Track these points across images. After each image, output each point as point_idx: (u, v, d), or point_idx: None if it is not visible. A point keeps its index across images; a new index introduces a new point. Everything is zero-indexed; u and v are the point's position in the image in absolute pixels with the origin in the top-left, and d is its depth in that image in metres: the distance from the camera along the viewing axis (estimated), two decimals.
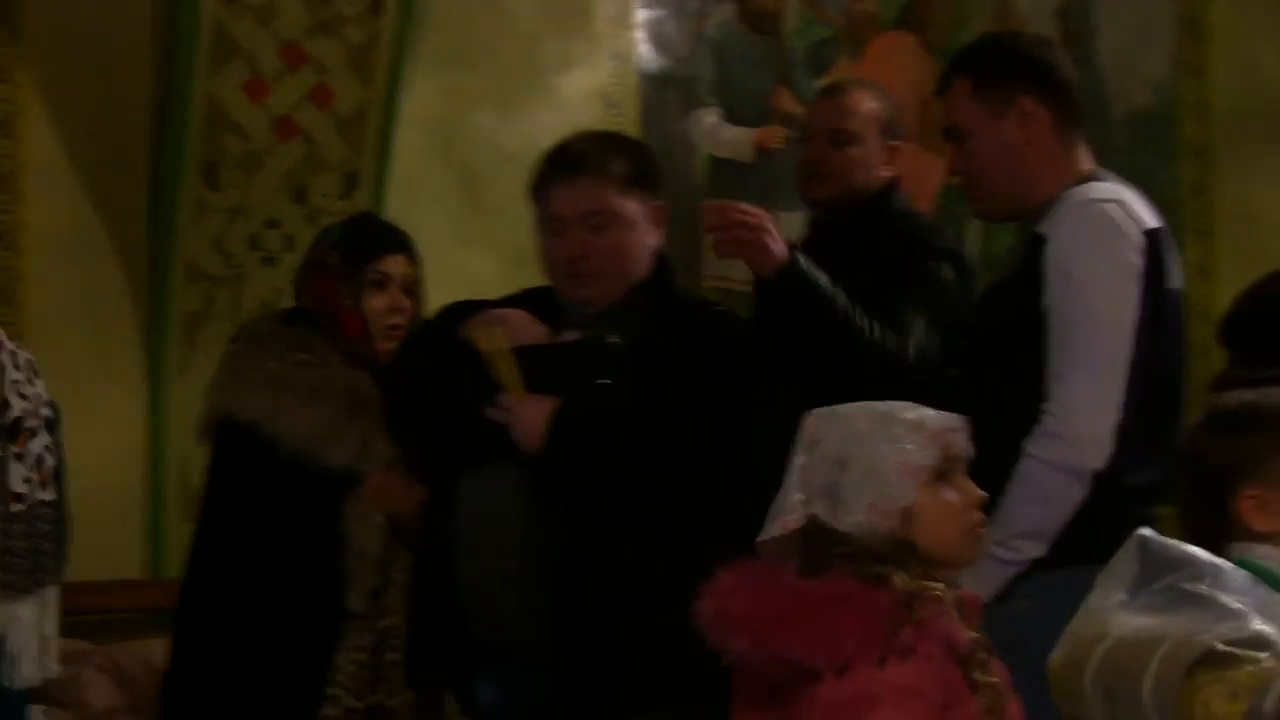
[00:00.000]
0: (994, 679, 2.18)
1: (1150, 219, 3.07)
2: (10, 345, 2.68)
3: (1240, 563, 2.08)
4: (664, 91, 5.02)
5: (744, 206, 3.17)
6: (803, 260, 3.18)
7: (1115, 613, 1.86)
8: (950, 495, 2.21)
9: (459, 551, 2.82)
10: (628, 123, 4.96)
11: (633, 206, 2.93)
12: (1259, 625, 1.74)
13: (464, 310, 2.95)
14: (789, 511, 2.27)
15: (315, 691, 3.11)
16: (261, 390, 3.25)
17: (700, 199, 5.06)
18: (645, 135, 4.96)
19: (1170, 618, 1.79)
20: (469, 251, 4.59)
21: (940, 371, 3.35)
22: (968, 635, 2.18)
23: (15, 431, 2.55)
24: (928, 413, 2.25)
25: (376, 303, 3.27)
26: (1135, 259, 2.97)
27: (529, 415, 2.78)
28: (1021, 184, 3.09)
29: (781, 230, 3.47)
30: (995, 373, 3.05)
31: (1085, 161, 3.14)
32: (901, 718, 2.08)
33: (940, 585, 2.20)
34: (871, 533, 2.18)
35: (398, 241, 3.46)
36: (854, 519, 2.19)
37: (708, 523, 2.75)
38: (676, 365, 2.84)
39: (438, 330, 2.97)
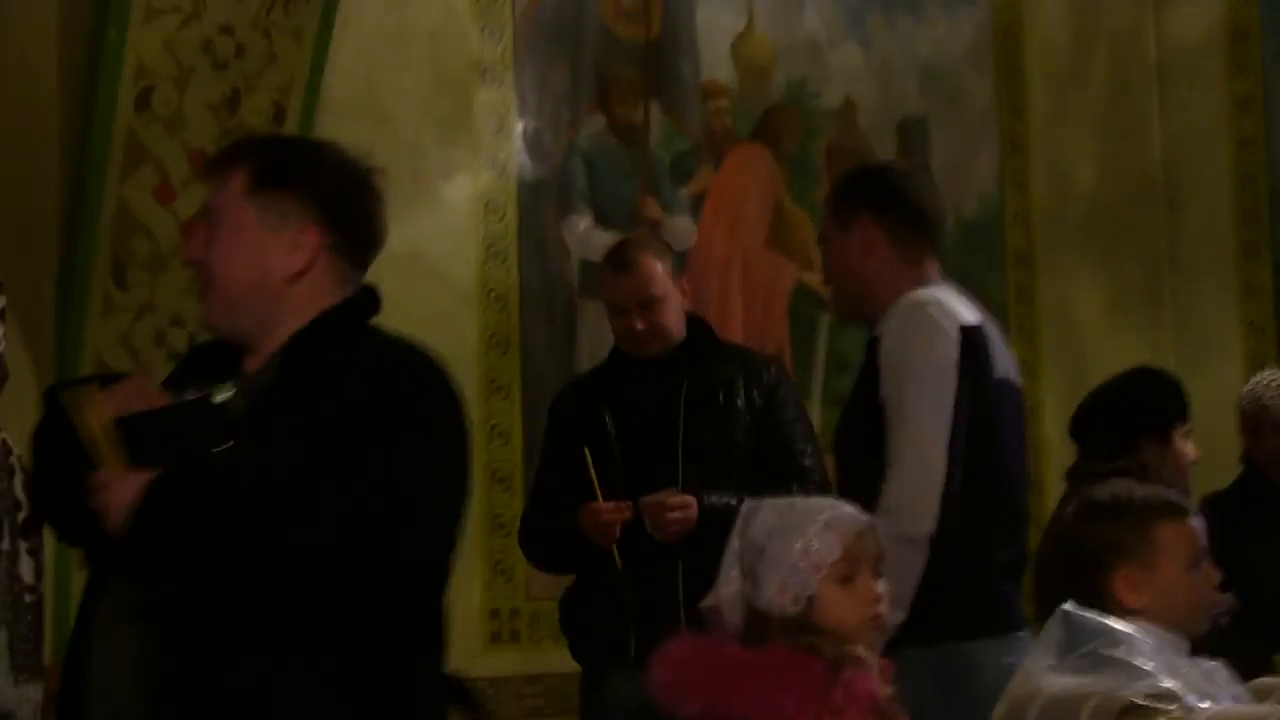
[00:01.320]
0: None
1: (969, 316, 3.47)
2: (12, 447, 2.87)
3: None
4: (540, 197, 5.33)
5: (671, 503, 3.78)
6: (708, 504, 3.79)
7: (1046, 674, 2.22)
8: (851, 589, 2.57)
9: (88, 685, 2.26)
10: (507, 226, 5.27)
11: (250, 211, 2.38)
12: (1168, 683, 2.11)
13: (70, 387, 2.44)
14: (726, 585, 2.63)
15: None
16: None
17: (574, 298, 5.40)
18: (523, 239, 5.29)
19: (1094, 677, 2.15)
20: None
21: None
22: (885, 691, 2.53)
23: (28, 529, 2.76)
24: (843, 513, 2.62)
25: None
26: (951, 352, 3.38)
27: (118, 495, 2.22)
28: (860, 289, 3.52)
29: None
30: (856, 460, 3.46)
31: (931, 276, 3.56)
32: None
33: (862, 648, 2.55)
34: (782, 613, 2.54)
35: None
36: (765, 599, 2.55)
37: (343, 628, 2.22)
38: (302, 426, 2.26)
39: (46, 413, 2.44)
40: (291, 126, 4.72)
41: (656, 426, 3.97)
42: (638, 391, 3.97)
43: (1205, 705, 2.03)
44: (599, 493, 3.85)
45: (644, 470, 3.93)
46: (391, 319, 5.18)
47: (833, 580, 2.51)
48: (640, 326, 3.99)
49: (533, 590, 5.15)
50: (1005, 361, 3.47)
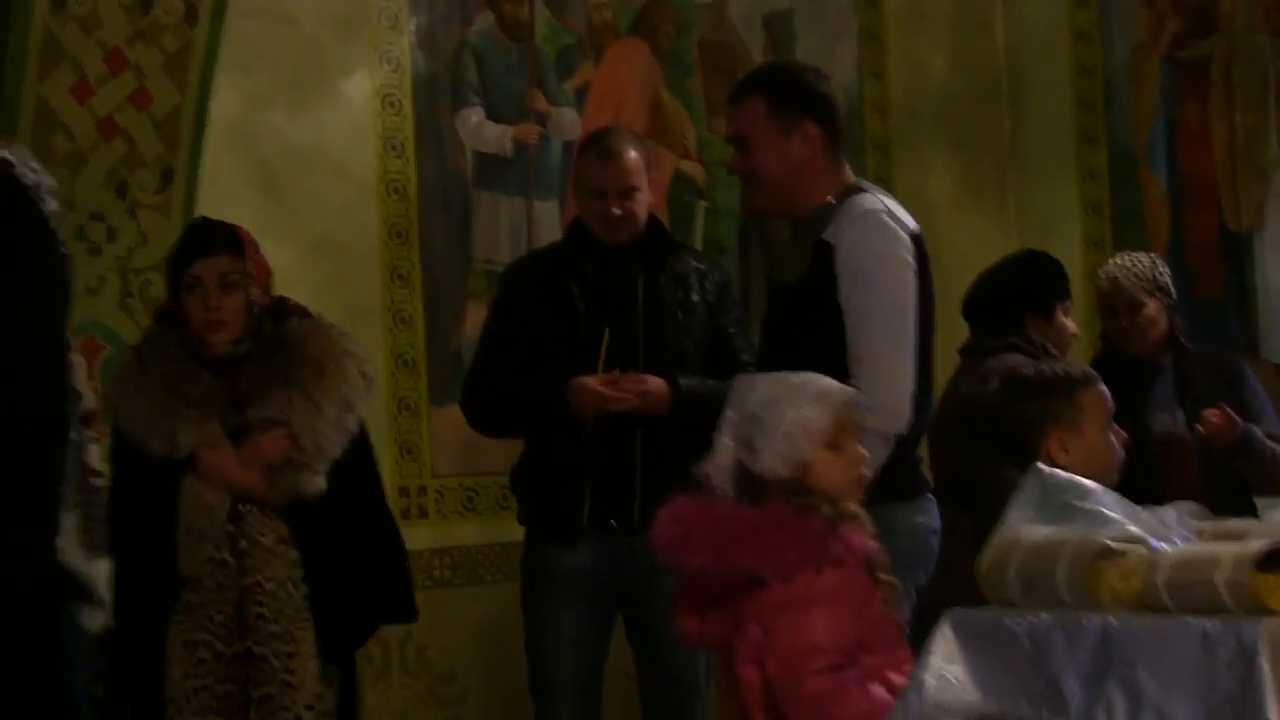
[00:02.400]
0: (891, 579, 2.88)
1: (912, 223, 3.81)
2: None
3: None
4: (435, 92, 5.52)
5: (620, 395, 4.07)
6: (683, 387, 4.08)
7: (1026, 525, 2.57)
8: (839, 454, 2.90)
9: None
10: (404, 121, 5.46)
11: None
12: (1133, 529, 2.47)
13: None
14: (721, 454, 2.93)
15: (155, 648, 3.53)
16: (118, 386, 3.70)
17: (467, 189, 5.62)
18: (420, 132, 5.48)
19: (1068, 526, 2.51)
20: (269, 241, 4.94)
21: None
22: (874, 546, 2.87)
23: (90, 419, 2.96)
24: (830, 386, 2.93)
25: (191, 303, 3.74)
26: (909, 257, 3.71)
27: None
28: (794, 190, 3.80)
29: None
30: (797, 361, 3.75)
31: (848, 174, 3.88)
32: (832, 613, 2.76)
33: (855, 507, 2.88)
34: (777, 477, 2.86)
35: (213, 244, 3.91)
36: (763, 465, 2.86)
37: None
38: None
39: None
40: (203, 27, 4.84)
41: (618, 308, 4.26)
42: (601, 273, 4.27)
43: (1165, 546, 2.40)
44: (601, 371, 4.15)
45: (606, 348, 4.22)
46: (301, 212, 5.38)
47: (823, 446, 2.82)
48: (617, 212, 4.26)
49: (438, 469, 5.42)
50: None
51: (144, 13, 4.75)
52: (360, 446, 3.98)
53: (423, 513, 5.37)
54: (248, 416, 3.80)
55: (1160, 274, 4.79)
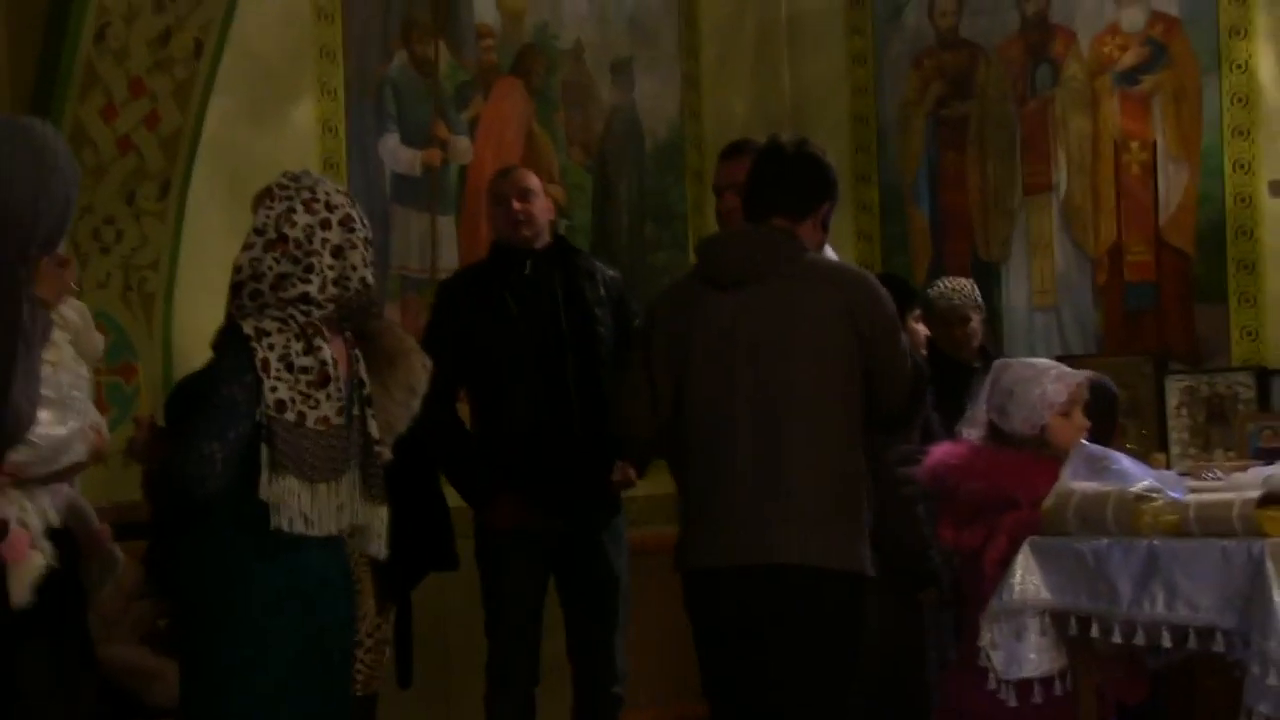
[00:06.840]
0: None
1: None
2: None
3: None
4: (364, 119, 6.35)
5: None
6: None
7: (1075, 480, 3.72)
8: (1069, 420, 3.97)
9: None
10: (339, 143, 6.27)
11: None
12: (1155, 482, 3.65)
13: None
14: (977, 418, 3.98)
15: None
16: None
17: (386, 204, 6.47)
18: (350, 153, 6.30)
19: (1109, 481, 3.66)
20: (235, 240, 5.67)
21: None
22: None
23: (370, 401, 3.77)
24: (1066, 370, 4.03)
25: None
26: None
27: None
28: None
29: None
30: None
31: None
32: None
33: None
34: (1021, 436, 3.93)
35: None
36: (1011, 427, 3.94)
37: None
38: None
39: None
40: (206, 59, 5.57)
41: (544, 304, 5.13)
42: (525, 277, 5.13)
43: (1178, 494, 3.59)
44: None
45: (538, 346, 5.11)
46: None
47: (1058, 415, 3.93)
48: (517, 205, 5.18)
49: None
50: None
51: (163, 46, 5.45)
52: (418, 424, 4.82)
53: None
54: None
55: (978, 296, 6.05)
